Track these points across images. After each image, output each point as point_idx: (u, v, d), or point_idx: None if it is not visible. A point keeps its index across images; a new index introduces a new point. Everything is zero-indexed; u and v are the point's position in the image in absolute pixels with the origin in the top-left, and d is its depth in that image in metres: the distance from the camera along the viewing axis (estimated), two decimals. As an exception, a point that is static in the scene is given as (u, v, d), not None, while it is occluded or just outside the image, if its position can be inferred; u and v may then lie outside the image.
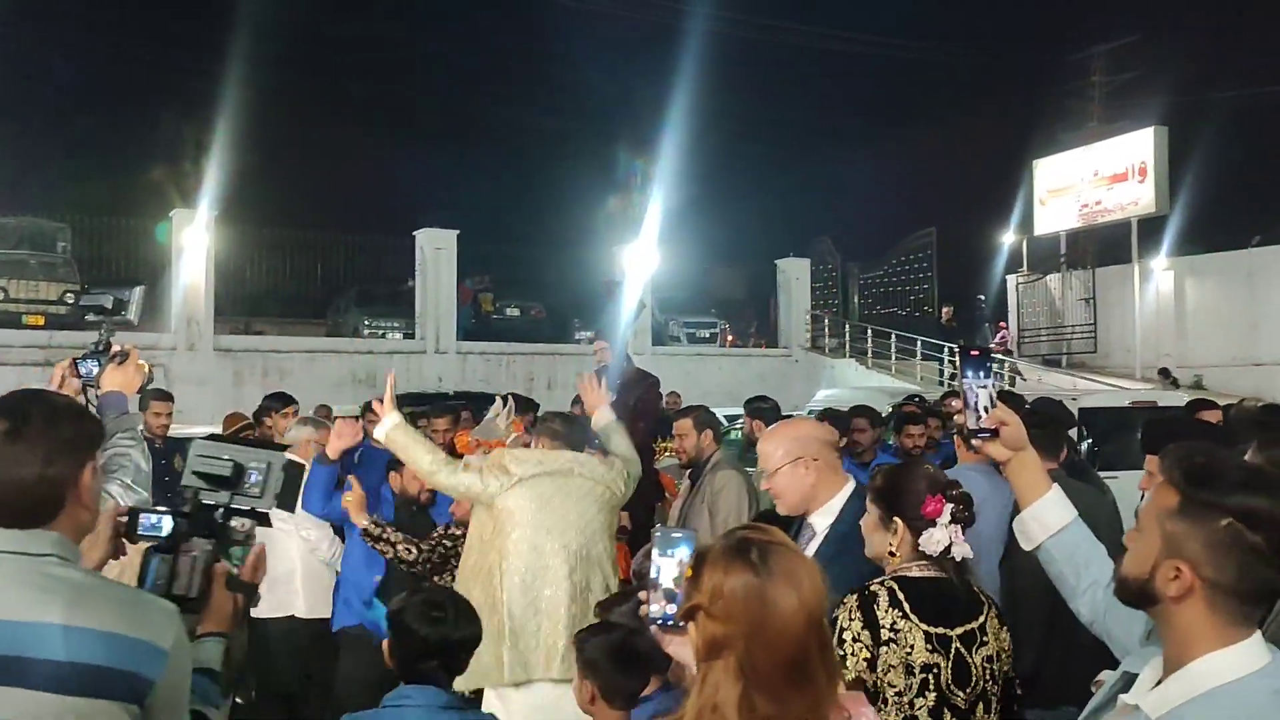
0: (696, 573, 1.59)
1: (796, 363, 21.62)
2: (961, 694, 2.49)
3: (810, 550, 3.14)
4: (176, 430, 7.07)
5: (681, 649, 1.73)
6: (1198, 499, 1.61)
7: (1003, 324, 25.61)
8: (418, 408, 6.72)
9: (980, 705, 2.53)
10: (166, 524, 2.04)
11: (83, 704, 1.62)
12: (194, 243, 16.22)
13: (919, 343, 21.75)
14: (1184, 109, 24.47)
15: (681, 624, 1.68)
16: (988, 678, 2.54)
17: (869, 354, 22.10)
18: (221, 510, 2.08)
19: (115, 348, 3.09)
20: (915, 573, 2.55)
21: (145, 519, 2.04)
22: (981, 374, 2.21)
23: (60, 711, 1.62)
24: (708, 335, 22.06)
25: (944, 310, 23.25)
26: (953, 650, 2.48)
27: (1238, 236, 22.59)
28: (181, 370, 15.03)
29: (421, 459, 4.01)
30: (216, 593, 2.03)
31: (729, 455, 5.36)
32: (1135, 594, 1.70)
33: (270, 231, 19.80)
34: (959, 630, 2.52)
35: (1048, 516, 2.15)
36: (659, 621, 1.72)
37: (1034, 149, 25.73)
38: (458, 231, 18.67)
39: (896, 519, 2.61)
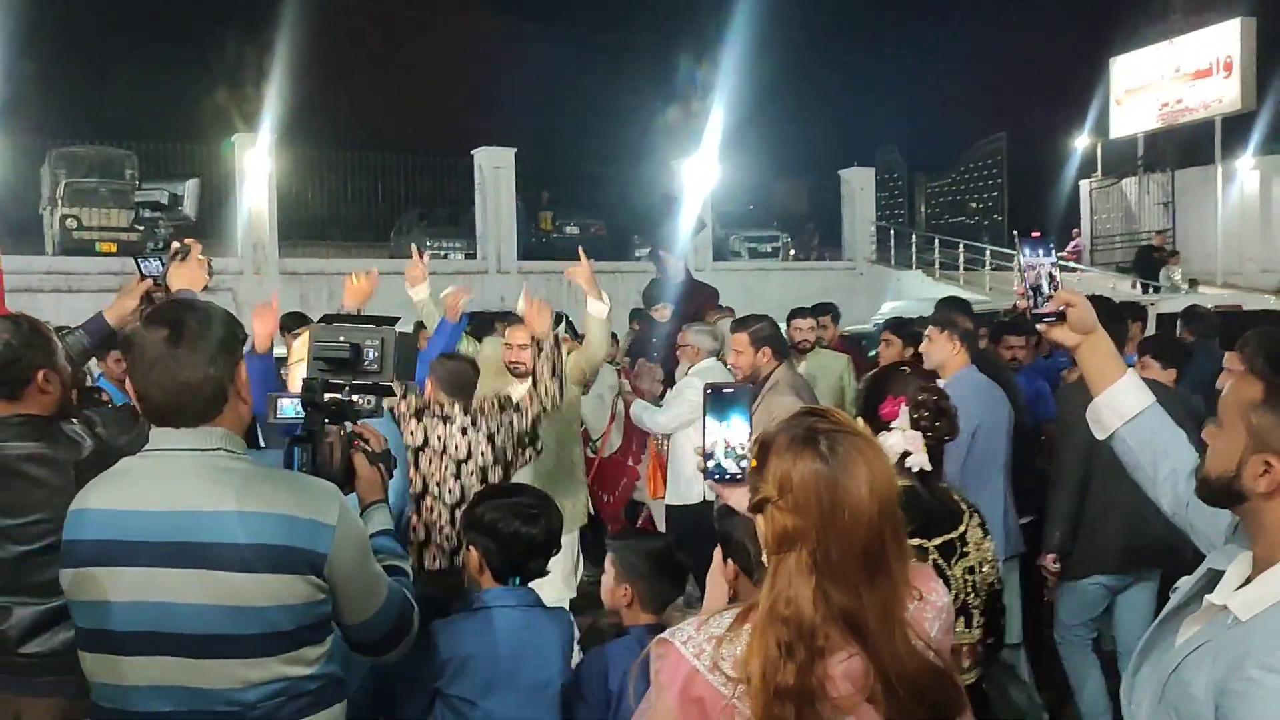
0: (761, 463, 1.55)
1: (861, 275, 21.27)
2: None
3: None
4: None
5: (742, 499, 1.70)
6: None
7: (1075, 230, 24.86)
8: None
9: (961, 618, 2.43)
10: (297, 408, 2.24)
11: (269, 579, 1.81)
12: (256, 166, 16.34)
13: (988, 252, 21.24)
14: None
15: (740, 477, 1.69)
16: (968, 590, 2.46)
17: (936, 265, 21.65)
18: (347, 389, 2.24)
19: (175, 245, 3.08)
20: None
21: (281, 405, 2.25)
22: (1040, 252, 2.04)
23: (250, 587, 1.80)
24: (769, 249, 21.77)
25: (1157, 235, 21.76)
26: (929, 562, 2.37)
27: (1329, 133, 21.52)
28: (249, 294, 15.26)
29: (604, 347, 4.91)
30: (361, 469, 2.23)
31: (790, 375, 5.07)
32: (1220, 493, 1.61)
33: (331, 154, 19.90)
34: (936, 541, 2.43)
35: (1122, 402, 2.00)
36: (718, 476, 1.71)
37: (1111, 46, 24.59)
38: (515, 150, 18.55)
39: (860, 420, 2.49)
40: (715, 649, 1.50)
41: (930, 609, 1.68)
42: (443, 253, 19.17)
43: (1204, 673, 1.52)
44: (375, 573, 1.99)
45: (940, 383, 4.35)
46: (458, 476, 4.00)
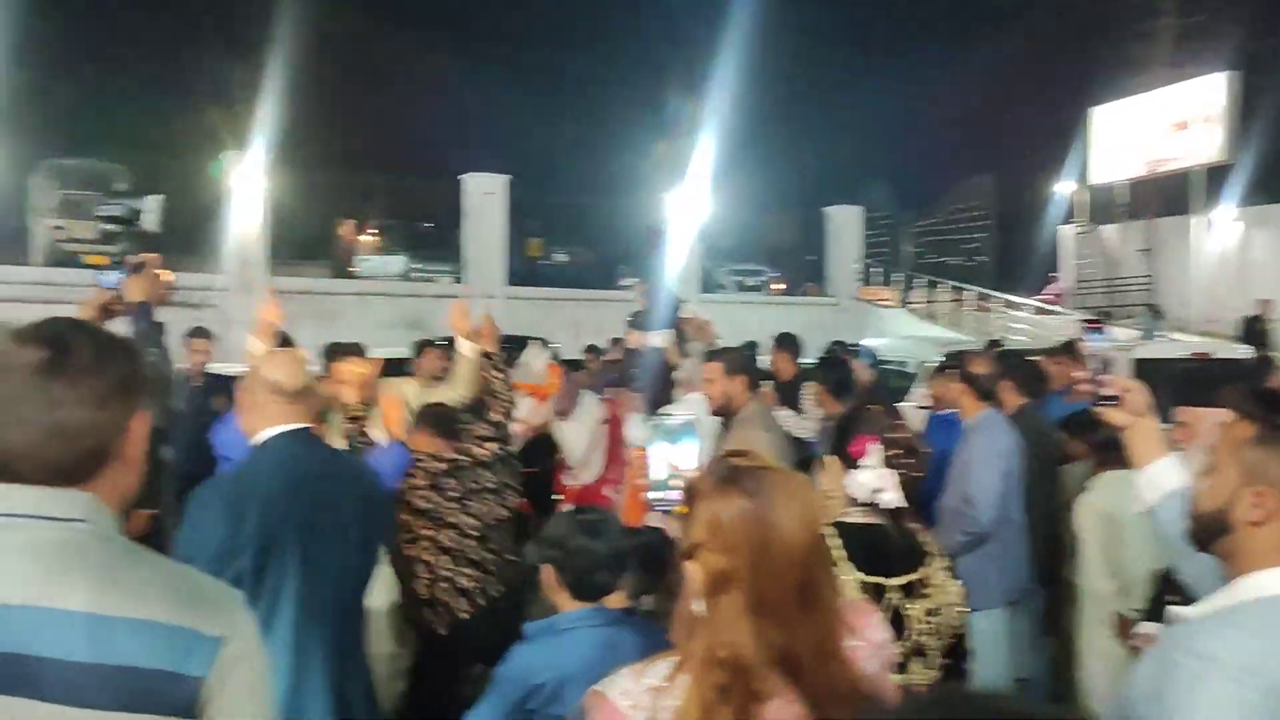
0: (690, 509, 1.54)
1: (845, 312, 21.44)
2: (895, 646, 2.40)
3: None
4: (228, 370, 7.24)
5: None
6: (1277, 424, 1.71)
7: (1052, 274, 25.16)
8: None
9: (918, 658, 2.43)
10: None
11: None
12: (247, 184, 16.41)
13: (972, 293, 21.48)
14: (1254, 54, 23.54)
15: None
16: (928, 631, 2.44)
17: (919, 303, 21.86)
18: None
19: (131, 258, 3.18)
20: (857, 518, 2.45)
21: None
22: (1103, 338, 2.34)
23: None
24: (755, 283, 21.94)
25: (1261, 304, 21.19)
26: (889, 600, 2.39)
27: (1308, 187, 21.90)
28: (236, 311, 15.27)
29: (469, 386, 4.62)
30: None
31: (764, 411, 4.86)
32: (1209, 526, 1.77)
33: (322, 174, 19.97)
34: (897, 581, 2.42)
35: (1161, 480, 2.21)
36: (664, 508, 1.74)
37: (1096, 94, 25.03)
38: (508, 177, 18.68)
39: (831, 458, 2.54)
40: (653, 701, 1.47)
41: (868, 646, 1.69)
42: (429, 276, 19.25)
43: (1148, 664, 1.73)
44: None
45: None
46: (504, 505, 4.28)
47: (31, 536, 1.30)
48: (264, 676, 1.41)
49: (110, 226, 3.32)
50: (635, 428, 5.57)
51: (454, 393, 4.72)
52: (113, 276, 3.16)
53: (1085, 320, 2.50)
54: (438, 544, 4.08)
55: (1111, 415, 2.27)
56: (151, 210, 3.32)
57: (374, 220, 21.21)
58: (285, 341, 5.35)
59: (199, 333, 6.84)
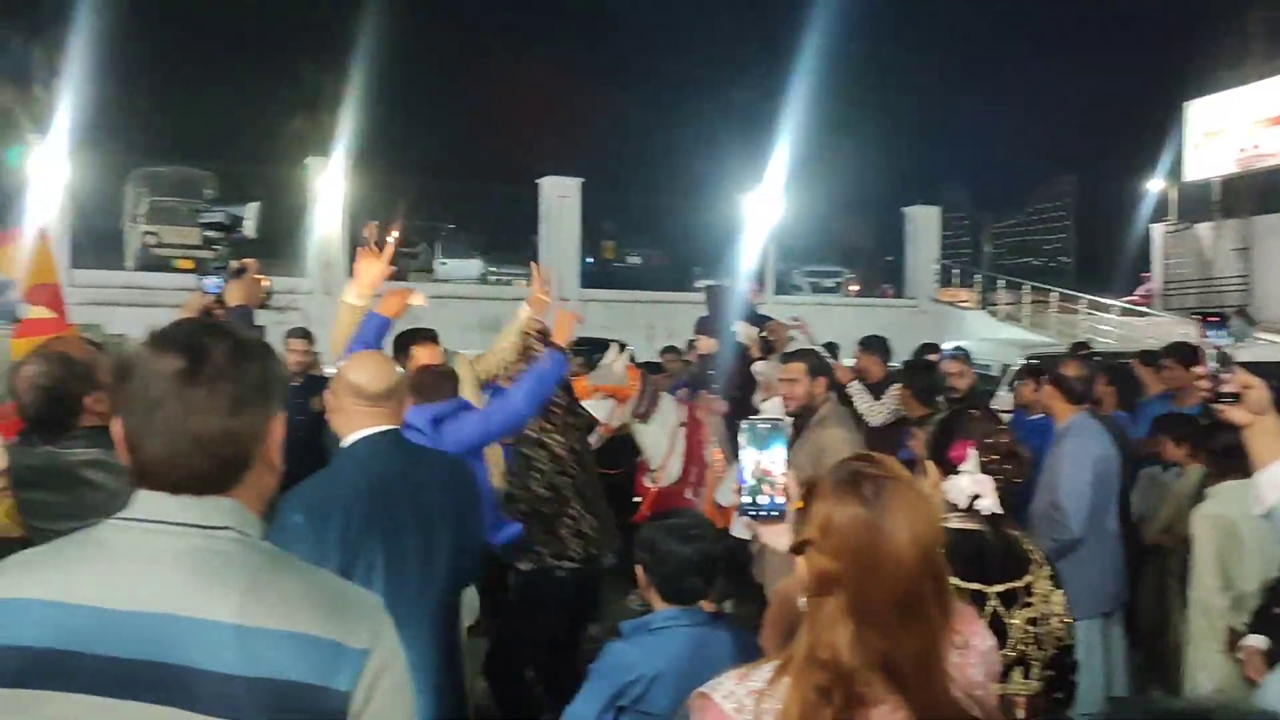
0: (806, 505, 1.55)
1: (924, 313, 21.08)
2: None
3: None
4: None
5: (776, 537, 1.72)
6: None
7: (1144, 274, 24.42)
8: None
9: (1019, 668, 2.37)
10: None
11: None
12: (328, 189, 16.76)
13: (1055, 294, 20.96)
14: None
15: (777, 514, 1.72)
16: (1030, 640, 2.39)
17: (1000, 305, 21.42)
18: None
19: (233, 263, 3.28)
20: (954, 524, 2.40)
21: None
22: (1222, 334, 2.26)
23: None
24: (831, 284, 21.72)
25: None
26: (988, 609, 2.34)
27: None
28: (318, 313, 15.58)
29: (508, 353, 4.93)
30: None
31: (841, 411, 4.90)
32: None
33: (400, 179, 20.33)
34: (997, 588, 2.38)
35: None
36: (754, 513, 1.72)
37: (1187, 89, 24.22)
38: (582, 180, 18.77)
39: (930, 463, 2.51)
40: (756, 704, 1.48)
41: (974, 654, 1.66)
42: (506, 279, 19.44)
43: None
44: None
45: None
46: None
47: (180, 544, 1.30)
48: (406, 684, 1.38)
49: (212, 233, 3.43)
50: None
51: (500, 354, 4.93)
52: (214, 281, 3.27)
53: (1203, 314, 2.44)
54: (577, 485, 4.40)
55: (1231, 413, 2.17)
56: (251, 217, 3.45)
57: (444, 223, 21.45)
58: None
59: (299, 333, 6.81)
